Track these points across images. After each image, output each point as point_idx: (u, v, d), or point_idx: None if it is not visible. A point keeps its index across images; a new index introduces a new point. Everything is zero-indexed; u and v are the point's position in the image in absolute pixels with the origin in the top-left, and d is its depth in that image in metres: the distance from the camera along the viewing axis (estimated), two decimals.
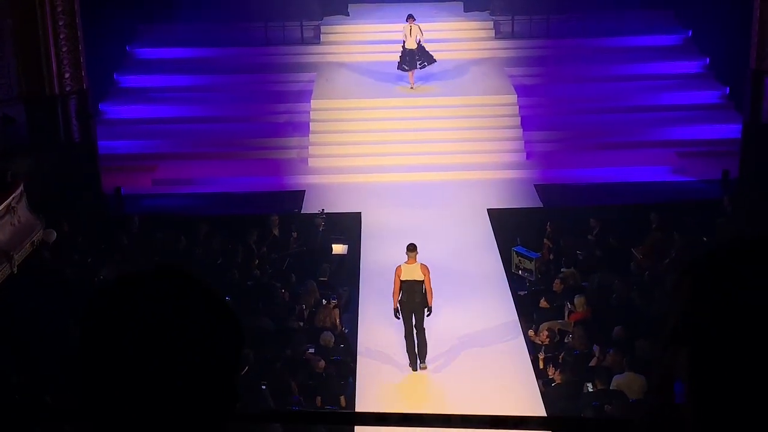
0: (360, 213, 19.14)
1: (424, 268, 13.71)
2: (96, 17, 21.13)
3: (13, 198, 14.77)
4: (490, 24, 26.44)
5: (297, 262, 16.51)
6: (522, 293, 15.77)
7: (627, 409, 11.28)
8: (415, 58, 22.88)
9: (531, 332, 14.18)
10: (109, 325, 1.47)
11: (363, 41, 25.96)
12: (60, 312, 13.72)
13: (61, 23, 18.73)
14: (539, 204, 19.67)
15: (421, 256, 13.95)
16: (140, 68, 25.12)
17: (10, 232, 14.52)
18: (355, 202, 19.69)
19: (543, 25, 25.91)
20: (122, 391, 1.44)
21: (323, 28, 26.39)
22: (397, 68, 23.19)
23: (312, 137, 22.36)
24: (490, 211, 19.03)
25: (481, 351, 14.14)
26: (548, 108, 23.34)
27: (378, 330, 14.82)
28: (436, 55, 23.34)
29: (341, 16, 27.14)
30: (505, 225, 18.09)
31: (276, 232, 17.52)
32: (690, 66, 24.72)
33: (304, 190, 20.59)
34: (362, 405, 12.72)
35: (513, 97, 23.01)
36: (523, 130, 22.32)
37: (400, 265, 13.76)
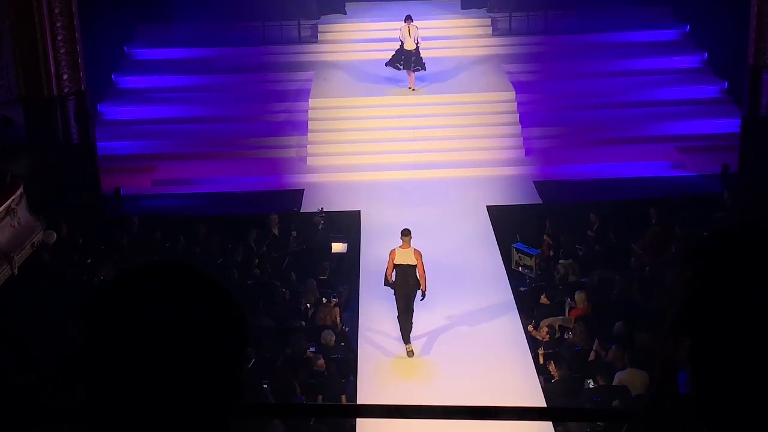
0: (359, 211, 19.15)
1: (417, 254, 14.09)
2: (94, 18, 21.13)
3: (13, 200, 14.77)
4: (488, 21, 26.45)
5: (297, 260, 16.51)
6: (522, 290, 15.78)
7: (630, 404, 11.28)
8: (410, 60, 22.81)
9: (530, 327, 14.19)
10: (108, 323, 1.47)
11: (361, 39, 25.96)
12: (60, 313, 13.73)
13: (58, 24, 18.72)
14: (538, 200, 19.67)
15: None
16: (138, 69, 25.11)
17: (10, 233, 14.52)
18: (355, 200, 19.69)
19: (540, 22, 25.92)
20: (122, 390, 1.44)
21: (321, 27, 26.39)
22: (387, 64, 23.01)
23: (310, 136, 22.36)
24: (490, 208, 19.03)
25: (482, 348, 14.14)
26: (546, 104, 23.33)
27: (378, 328, 14.83)
28: (433, 53, 23.34)
29: (339, 14, 27.15)
30: (505, 222, 18.09)
31: (275, 231, 17.52)
32: (688, 61, 24.73)
33: (303, 189, 20.59)
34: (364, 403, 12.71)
35: (511, 94, 23.01)
36: (522, 127, 22.32)
37: (394, 249, 14.19)
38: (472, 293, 15.66)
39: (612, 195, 19.09)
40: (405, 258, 14.04)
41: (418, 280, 14.05)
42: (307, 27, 26.28)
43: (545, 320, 14.07)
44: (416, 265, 14.01)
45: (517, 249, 16.43)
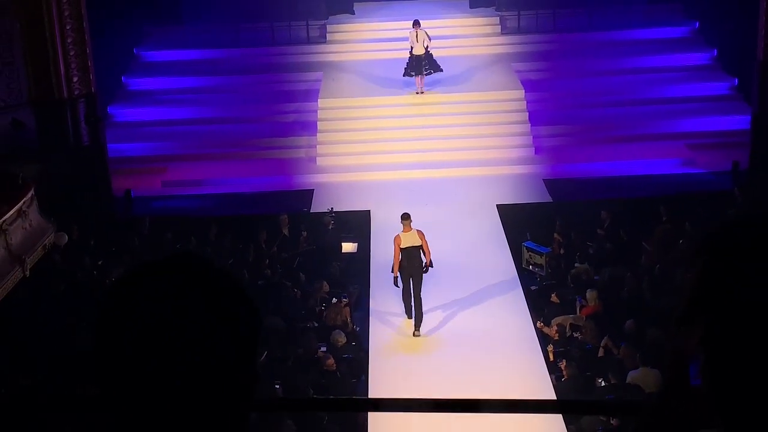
0: (369, 211, 19.15)
1: (420, 233, 14.81)
2: (103, 20, 21.20)
3: (24, 202, 14.80)
4: (496, 20, 26.43)
5: (307, 261, 16.52)
6: (533, 288, 15.75)
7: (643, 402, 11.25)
8: (422, 64, 22.78)
9: (540, 323, 14.19)
10: (120, 320, 1.47)
11: (369, 39, 25.96)
12: (72, 314, 13.78)
13: (68, 27, 18.78)
14: (548, 199, 19.64)
15: (431, 254, 14.51)
16: (148, 71, 25.17)
17: (21, 235, 14.56)
18: (364, 200, 19.69)
19: (549, 20, 25.88)
20: (135, 388, 1.45)
21: (329, 27, 26.40)
22: (404, 75, 23.10)
23: (320, 136, 22.37)
24: (500, 207, 19.00)
25: (493, 348, 14.12)
26: (556, 102, 23.30)
27: (389, 327, 14.83)
28: (442, 52, 23.31)
29: (347, 14, 27.15)
30: (515, 220, 18.07)
31: (286, 231, 17.53)
32: (698, 58, 24.65)
33: (313, 189, 20.60)
34: None
35: (520, 93, 22.99)
36: (531, 125, 22.29)
37: (398, 234, 14.82)
38: (483, 292, 15.65)
39: (622, 193, 19.05)
40: (410, 240, 14.71)
41: (422, 261, 14.75)
42: (315, 27, 26.30)
43: (556, 318, 14.04)
44: (421, 245, 14.71)
45: (527, 247, 16.41)
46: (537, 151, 21.80)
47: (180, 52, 25.51)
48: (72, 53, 18.91)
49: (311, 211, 19.34)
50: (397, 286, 14.78)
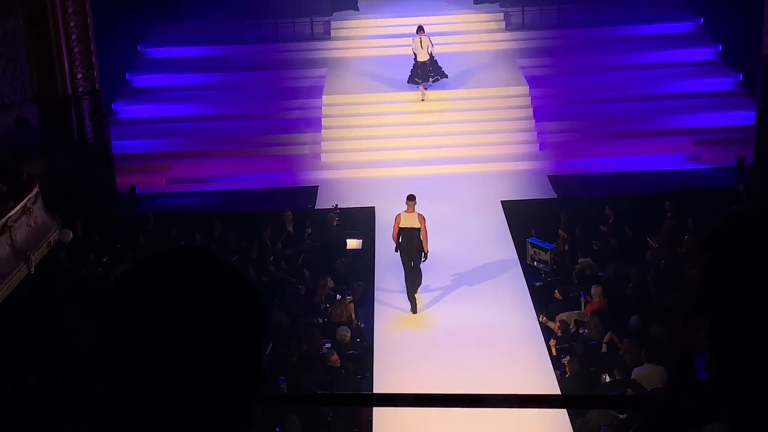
0: (373, 207, 19.14)
1: (421, 218, 15.05)
2: (107, 17, 21.20)
3: (29, 199, 14.81)
4: (500, 16, 26.39)
5: (312, 257, 16.53)
6: (538, 284, 15.74)
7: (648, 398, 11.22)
8: (427, 71, 22.72)
9: (543, 317, 14.18)
10: (123, 317, 1.46)
11: (373, 35, 25.94)
12: (76, 311, 13.79)
13: (72, 24, 18.79)
14: (553, 195, 19.63)
15: (435, 250, 14.30)
16: (152, 67, 25.19)
17: (26, 232, 14.57)
18: (369, 196, 19.68)
19: (553, 16, 25.84)
20: (138, 384, 1.44)
21: (333, 24, 26.39)
22: (408, 81, 23.03)
23: (324, 133, 22.38)
24: (504, 203, 19.00)
25: (498, 344, 14.12)
26: (560, 98, 23.28)
27: (394, 324, 14.83)
28: (446, 48, 23.27)
29: (351, 11, 27.14)
30: (520, 216, 18.06)
31: (290, 228, 17.54)
32: (702, 53, 24.61)
33: (318, 186, 20.61)
34: None
35: (525, 89, 22.96)
36: (536, 121, 22.27)
37: (399, 214, 15.14)
38: (488, 288, 15.65)
39: (627, 188, 19.02)
40: (409, 222, 14.97)
41: (421, 243, 14.93)
42: (319, 24, 26.29)
43: (561, 315, 14.04)
44: (420, 229, 14.90)
45: (532, 243, 16.40)
46: (541, 147, 21.78)
47: (184, 49, 25.51)
48: (76, 50, 18.92)
49: (316, 207, 19.34)
50: (397, 251, 15.17)
